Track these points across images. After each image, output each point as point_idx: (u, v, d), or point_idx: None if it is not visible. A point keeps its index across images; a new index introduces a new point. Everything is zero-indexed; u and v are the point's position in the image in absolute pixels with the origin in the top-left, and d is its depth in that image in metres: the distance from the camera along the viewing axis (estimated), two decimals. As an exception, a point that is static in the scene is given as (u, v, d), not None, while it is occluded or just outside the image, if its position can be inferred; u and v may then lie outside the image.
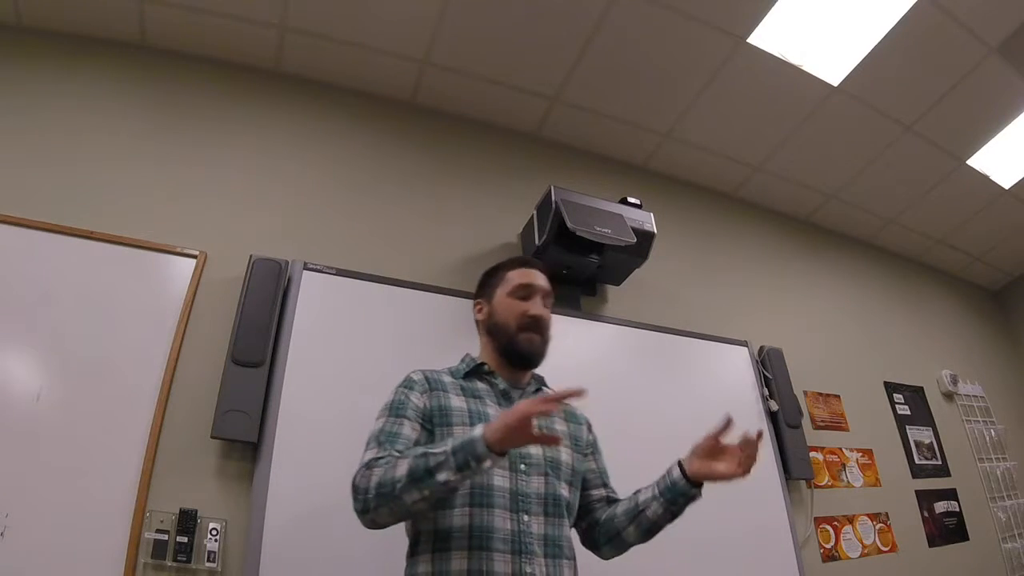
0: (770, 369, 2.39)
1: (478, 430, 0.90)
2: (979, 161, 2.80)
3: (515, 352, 1.19)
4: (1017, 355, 3.68)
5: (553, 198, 2.04)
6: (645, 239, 2.13)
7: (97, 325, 1.55)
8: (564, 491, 1.11)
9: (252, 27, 2.04)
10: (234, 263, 1.73)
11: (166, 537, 1.36)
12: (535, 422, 0.89)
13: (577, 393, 0.91)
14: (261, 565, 1.35)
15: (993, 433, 3.12)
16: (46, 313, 1.52)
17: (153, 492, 1.41)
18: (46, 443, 1.38)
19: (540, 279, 1.26)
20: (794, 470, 2.21)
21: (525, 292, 1.23)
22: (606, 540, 1.19)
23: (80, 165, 1.77)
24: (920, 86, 2.40)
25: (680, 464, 1.11)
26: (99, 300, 1.58)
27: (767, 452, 2.19)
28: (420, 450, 0.94)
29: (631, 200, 2.24)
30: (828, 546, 2.24)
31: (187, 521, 1.39)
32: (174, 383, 1.55)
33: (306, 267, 1.76)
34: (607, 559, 1.22)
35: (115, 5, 1.92)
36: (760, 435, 1.07)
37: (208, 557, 1.38)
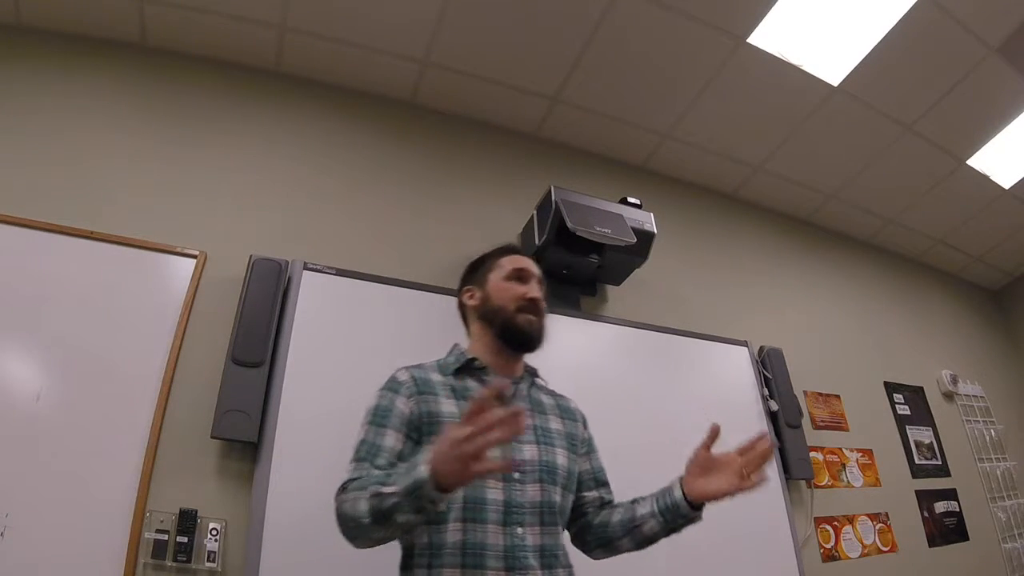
0: (770, 369, 2.39)
1: (422, 468, 0.80)
2: (979, 161, 2.80)
3: (514, 332, 1.14)
4: (1017, 355, 3.68)
5: (553, 198, 2.04)
6: (645, 239, 2.13)
7: (97, 325, 1.55)
8: (558, 497, 1.07)
9: (252, 27, 2.04)
10: (234, 263, 1.73)
11: (166, 537, 1.36)
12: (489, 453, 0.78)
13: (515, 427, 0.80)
14: (261, 565, 1.35)
15: (993, 433, 3.12)
16: (46, 313, 1.52)
17: (153, 492, 1.41)
18: (46, 443, 1.38)
19: (534, 266, 1.24)
20: (794, 470, 2.21)
21: (521, 275, 1.20)
22: (598, 545, 1.16)
23: (80, 165, 1.77)
24: (920, 86, 2.40)
25: (681, 483, 1.06)
26: (99, 300, 1.58)
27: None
28: (375, 486, 0.87)
29: (631, 200, 2.24)
30: (828, 546, 2.24)
31: (187, 521, 1.39)
32: (174, 383, 1.55)
33: (306, 267, 1.76)
34: (597, 560, 1.19)
35: (115, 5, 1.92)
36: (763, 437, 1.02)
37: (208, 557, 1.38)
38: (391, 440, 1.01)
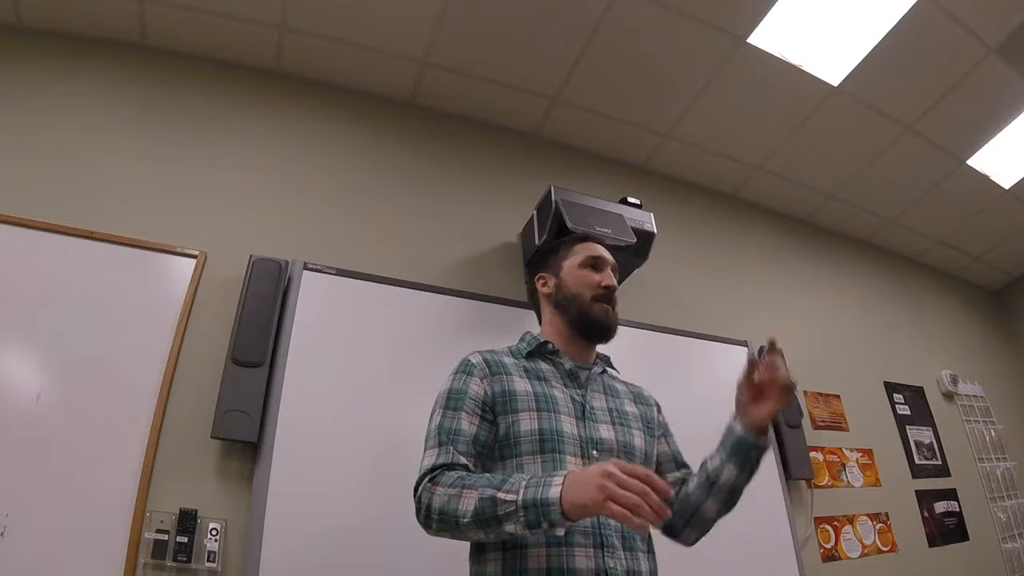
0: (770, 369, 2.38)
1: (555, 489, 0.79)
2: (979, 161, 2.80)
3: (590, 322, 1.14)
4: (1017, 355, 3.68)
5: (553, 198, 2.03)
6: (645, 239, 2.13)
7: (97, 325, 1.55)
8: None
9: (252, 27, 2.04)
10: (234, 263, 1.73)
11: (166, 537, 1.36)
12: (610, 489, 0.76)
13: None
14: (261, 565, 1.35)
15: (993, 433, 3.12)
16: (46, 313, 1.52)
17: (153, 492, 1.41)
18: (46, 443, 1.38)
19: (608, 254, 1.23)
20: (794, 470, 2.21)
21: (596, 263, 1.20)
22: (684, 522, 1.11)
23: (80, 165, 1.77)
24: (920, 86, 2.40)
25: (735, 421, 1.06)
26: (99, 300, 1.58)
27: (767, 452, 2.19)
28: (489, 490, 0.84)
29: (631, 200, 2.23)
30: (828, 546, 2.24)
31: (187, 521, 1.39)
32: (174, 383, 1.55)
33: (306, 267, 1.76)
34: (690, 544, 1.14)
35: (115, 5, 1.92)
36: (772, 346, 1.04)
37: (208, 557, 1.38)
38: (466, 424, 0.99)
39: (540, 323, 1.25)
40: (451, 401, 1.02)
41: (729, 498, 1.07)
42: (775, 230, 3.06)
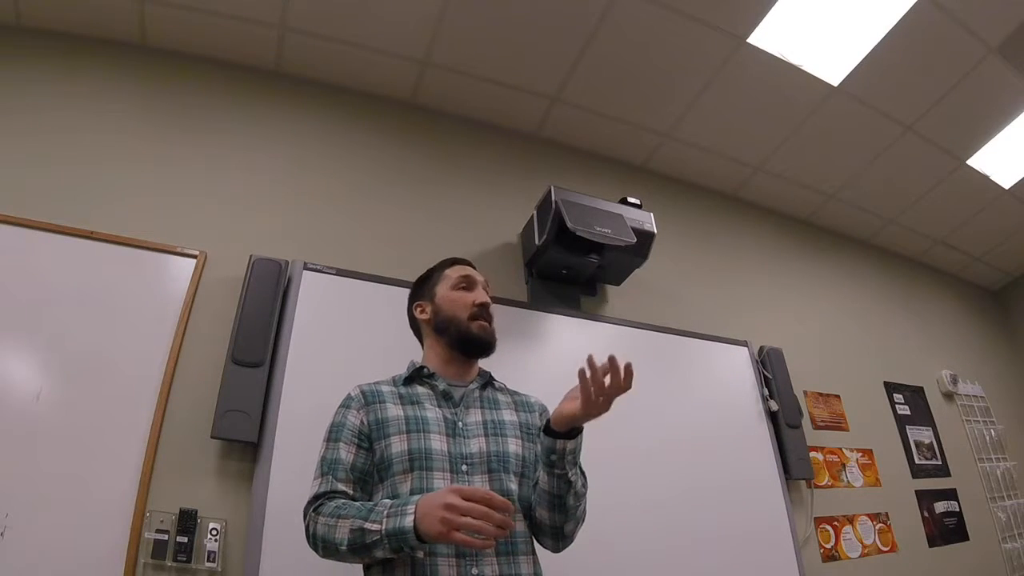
0: (770, 369, 2.39)
1: (408, 519, 0.88)
2: (979, 161, 2.81)
3: (470, 340, 1.19)
4: (1017, 355, 3.68)
5: (553, 198, 2.04)
6: (645, 239, 2.13)
7: (97, 325, 1.55)
8: (514, 485, 1.08)
9: (252, 27, 2.04)
10: (234, 263, 1.73)
11: (166, 537, 1.36)
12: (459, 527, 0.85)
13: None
14: (261, 565, 1.35)
15: (993, 433, 3.12)
16: (46, 313, 1.52)
17: (153, 492, 1.41)
18: (46, 443, 1.38)
19: (478, 273, 1.30)
20: (794, 470, 2.21)
21: (467, 283, 1.26)
22: (534, 531, 1.11)
23: (80, 165, 1.77)
24: (920, 86, 2.40)
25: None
26: (99, 300, 1.58)
27: (767, 452, 2.20)
28: (358, 520, 0.93)
29: (631, 200, 2.24)
30: (828, 546, 2.24)
31: (187, 521, 1.39)
32: (174, 383, 1.55)
33: (306, 267, 1.76)
34: (552, 550, 1.13)
35: (115, 5, 1.92)
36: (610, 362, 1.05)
37: (208, 557, 1.38)
38: (344, 453, 1.07)
39: (423, 347, 1.29)
40: (332, 433, 1.11)
41: (552, 503, 1.06)
42: (775, 230, 3.07)
